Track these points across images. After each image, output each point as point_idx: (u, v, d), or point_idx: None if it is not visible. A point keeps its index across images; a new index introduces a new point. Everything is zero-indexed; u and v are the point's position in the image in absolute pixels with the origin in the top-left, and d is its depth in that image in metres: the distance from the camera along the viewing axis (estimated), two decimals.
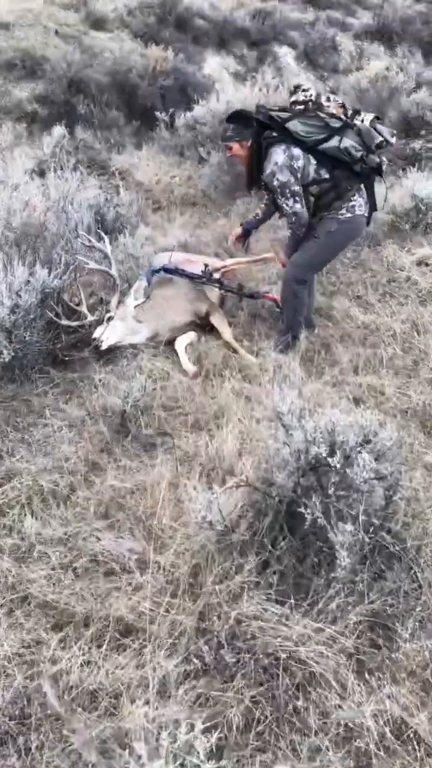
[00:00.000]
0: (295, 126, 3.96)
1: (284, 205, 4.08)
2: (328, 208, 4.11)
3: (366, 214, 4.19)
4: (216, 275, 4.86)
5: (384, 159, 4.13)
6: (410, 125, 8.62)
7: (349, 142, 3.93)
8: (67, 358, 4.31)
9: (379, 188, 4.25)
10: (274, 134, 4.00)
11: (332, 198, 4.08)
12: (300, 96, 4.11)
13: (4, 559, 2.92)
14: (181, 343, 4.50)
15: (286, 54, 16.84)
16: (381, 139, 3.99)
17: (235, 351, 4.45)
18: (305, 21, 18.95)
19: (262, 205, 4.62)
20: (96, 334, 4.33)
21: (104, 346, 4.32)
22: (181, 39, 14.57)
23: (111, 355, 4.43)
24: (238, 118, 4.21)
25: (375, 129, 4.00)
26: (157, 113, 9.27)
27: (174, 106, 9.66)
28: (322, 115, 4.02)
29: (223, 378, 4.09)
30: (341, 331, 4.57)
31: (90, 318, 4.35)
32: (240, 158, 4.29)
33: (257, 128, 4.03)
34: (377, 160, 4.03)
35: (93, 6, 15.28)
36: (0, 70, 11.44)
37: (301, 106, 4.08)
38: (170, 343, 4.55)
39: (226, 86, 9.96)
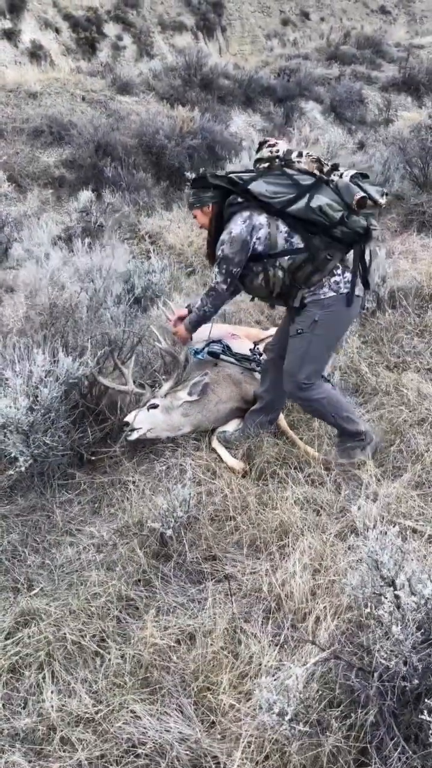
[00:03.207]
0: (258, 187, 3.33)
1: (213, 275, 3.51)
2: (307, 283, 3.36)
3: (356, 292, 3.38)
4: (260, 349, 4.24)
5: (374, 222, 3.33)
6: None
7: (323, 200, 3.23)
8: (94, 458, 3.69)
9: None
10: (239, 199, 3.40)
11: (309, 271, 3.34)
12: (264, 152, 3.44)
13: (16, 749, 2.23)
14: (219, 436, 3.87)
15: (312, 109, 16.70)
16: (362, 194, 3.20)
17: (292, 443, 3.77)
18: (330, 76, 18.86)
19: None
20: (129, 418, 3.71)
21: (133, 437, 3.69)
22: (207, 99, 14.47)
23: (146, 448, 3.79)
24: (199, 182, 3.59)
25: (357, 185, 3.25)
26: (186, 173, 8.90)
27: (202, 165, 9.38)
28: (291, 171, 3.35)
29: (281, 480, 3.39)
30: (415, 413, 3.86)
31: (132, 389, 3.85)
32: (205, 225, 3.63)
33: (217, 193, 3.49)
34: (363, 222, 3.26)
35: (119, 72, 15.32)
36: (28, 138, 11.31)
37: (266, 164, 3.43)
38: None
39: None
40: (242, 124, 14.76)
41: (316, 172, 3.34)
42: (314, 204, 3.23)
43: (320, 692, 2.04)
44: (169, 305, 4.30)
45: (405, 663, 1.84)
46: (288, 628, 2.54)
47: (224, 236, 3.40)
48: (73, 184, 10.11)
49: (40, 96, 12.85)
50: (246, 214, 3.36)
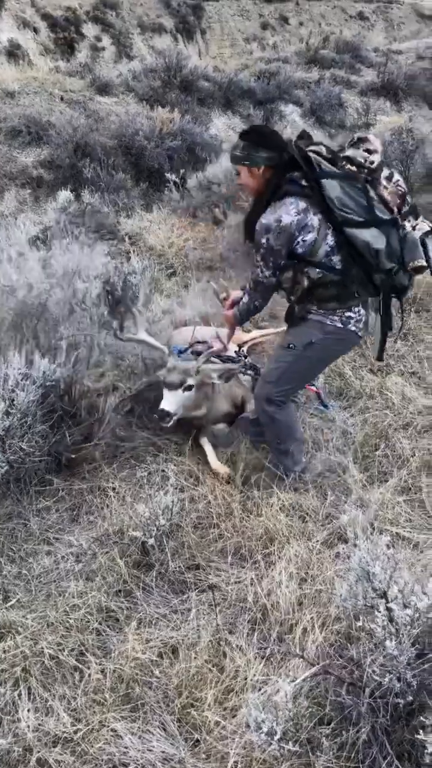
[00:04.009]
0: (332, 188, 2.92)
1: (258, 269, 3.10)
2: (320, 304, 3.12)
3: (360, 333, 3.20)
4: (244, 352, 4.16)
5: (412, 284, 3.10)
6: None
7: (385, 245, 2.92)
8: (73, 458, 3.57)
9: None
10: (303, 182, 2.96)
11: (331, 295, 3.07)
12: (359, 155, 2.96)
13: None
14: (207, 436, 3.75)
15: (292, 112, 16.68)
16: (422, 264, 2.93)
17: None
18: (310, 80, 18.89)
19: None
20: (167, 406, 3.45)
21: (171, 423, 3.49)
22: (187, 101, 14.38)
23: (126, 453, 3.69)
24: (254, 136, 3.07)
25: (425, 247, 2.95)
26: (167, 174, 8.82)
27: (182, 167, 9.29)
28: (372, 193, 2.94)
29: (266, 487, 3.31)
30: (400, 417, 3.81)
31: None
32: (249, 188, 3.13)
33: (276, 156, 3.00)
34: (405, 282, 3.01)
35: (98, 72, 15.19)
36: (5, 138, 11.13)
37: (353, 168, 2.97)
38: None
39: None
40: (222, 126, 14.69)
41: (395, 209, 2.96)
42: (375, 245, 2.91)
43: (309, 709, 1.96)
44: (223, 284, 3.96)
45: (399, 679, 1.77)
46: (274, 640, 2.46)
47: (271, 222, 2.96)
48: (52, 184, 9.94)
49: (17, 95, 12.67)
50: (302, 205, 2.95)
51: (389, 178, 2.99)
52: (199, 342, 4.03)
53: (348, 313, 3.11)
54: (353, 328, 3.14)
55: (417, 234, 2.95)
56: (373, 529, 2.83)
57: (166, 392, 3.52)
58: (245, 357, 4.15)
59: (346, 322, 3.12)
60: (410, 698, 1.78)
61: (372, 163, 2.96)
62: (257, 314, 3.46)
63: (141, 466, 3.58)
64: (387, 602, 1.84)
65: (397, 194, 2.98)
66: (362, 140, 3.03)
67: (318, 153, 3.03)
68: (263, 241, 3.00)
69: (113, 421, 3.76)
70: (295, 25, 36.90)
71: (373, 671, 1.81)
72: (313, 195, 2.96)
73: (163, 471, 3.52)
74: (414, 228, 2.97)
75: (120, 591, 2.81)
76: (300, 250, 3.02)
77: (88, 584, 2.84)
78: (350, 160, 2.98)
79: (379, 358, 3.36)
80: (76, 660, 2.49)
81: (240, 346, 4.36)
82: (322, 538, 2.94)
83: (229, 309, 3.53)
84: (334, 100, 16.75)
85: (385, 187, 2.97)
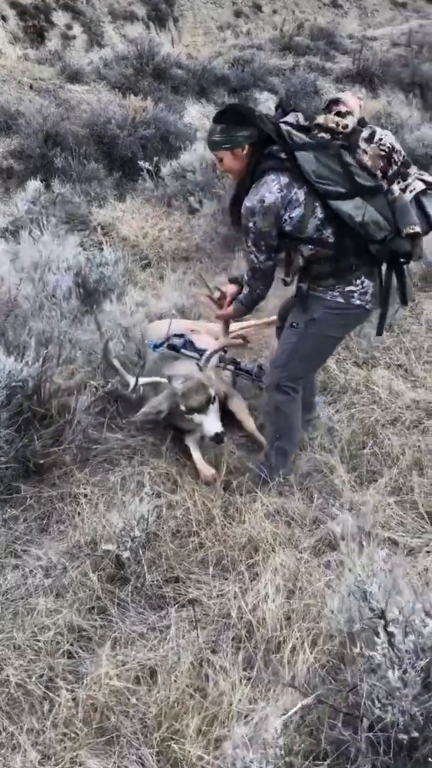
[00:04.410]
0: (306, 160, 2.70)
1: (252, 256, 2.92)
2: (317, 280, 2.93)
3: (367, 306, 2.98)
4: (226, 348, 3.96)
5: (418, 247, 2.83)
6: (417, 163, 7.87)
7: (371, 214, 2.70)
8: (42, 463, 3.34)
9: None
10: (282, 155, 2.76)
11: (326, 271, 2.89)
12: (330, 120, 2.75)
13: None
14: (195, 436, 3.54)
15: (267, 99, 16.43)
16: (416, 230, 2.73)
17: (260, 446, 3.49)
18: (284, 67, 18.64)
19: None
20: (214, 428, 3.29)
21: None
22: (160, 89, 14.09)
23: (98, 456, 3.47)
24: (231, 115, 2.87)
25: (421, 207, 2.77)
26: (141, 163, 8.56)
27: (156, 155, 9.04)
28: (348, 160, 2.73)
29: (249, 491, 3.12)
30: (388, 413, 3.63)
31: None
32: (233, 172, 2.94)
33: (255, 133, 2.80)
34: (407, 247, 2.78)
35: (68, 60, 14.84)
36: None
37: (326, 134, 2.78)
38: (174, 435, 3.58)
39: None
40: (196, 114, 14.39)
41: (380, 173, 2.76)
42: (356, 216, 2.69)
43: (302, 745, 1.77)
44: (203, 278, 3.66)
45: (402, 713, 1.58)
46: (261, 660, 2.27)
47: (254, 204, 2.77)
48: (22, 174, 9.65)
49: None
50: (285, 180, 2.76)
51: (369, 139, 2.77)
52: (175, 335, 3.82)
53: (349, 287, 2.91)
54: (358, 302, 2.94)
55: (408, 196, 2.76)
56: (368, 538, 2.64)
57: (201, 416, 3.34)
58: (225, 351, 3.94)
59: (348, 297, 2.92)
60: (415, 734, 1.59)
61: (345, 127, 2.77)
62: (261, 302, 3.26)
63: (115, 470, 3.37)
64: (386, 624, 1.65)
65: (379, 156, 2.76)
66: (334, 102, 2.85)
67: (291, 123, 2.86)
68: (250, 225, 2.82)
69: (85, 422, 3.54)
70: (268, 12, 36.54)
71: (372, 702, 1.62)
72: (293, 168, 2.76)
73: (138, 475, 3.30)
74: (405, 189, 2.78)
75: (93, 608, 2.60)
76: (288, 228, 2.83)
77: (59, 601, 2.62)
78: (321, 127, 2.81)
79: (379, 333, 3.17)
80: (45, 687, 2.28)
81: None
82: (310, 545, 2.76)
83: (228, 306, 3.35)
84: (310, 87, 16.49)
85: (365, 151, 2.76)
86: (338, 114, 2.79)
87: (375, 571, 1.76)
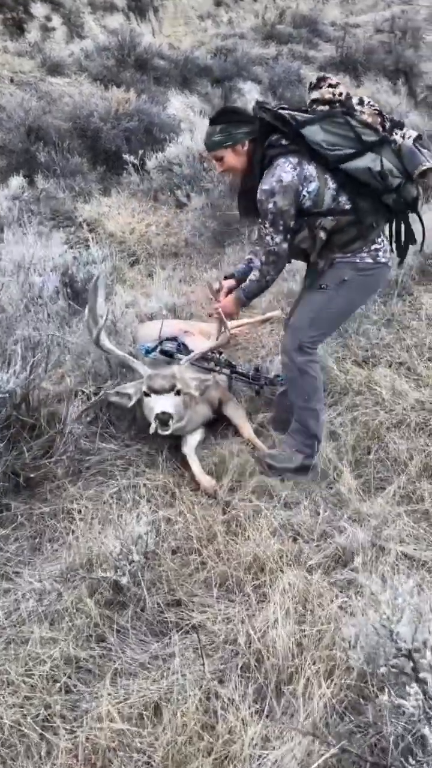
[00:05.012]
0: (314, 133, 2.87)
1: (268, 238, 2.99)
2: (344, 249, 3.03)
3: (389, 262, 3.16)
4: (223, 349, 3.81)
5: (421, 191, 3.05)
6: None
7: (386, 163, 2.86)
8: (32, 477, 3.17)
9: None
10: (283, 141, 2.92)
11: (352, 237, 3.00)
12: (325, 92, 2.95)
13: None
14: (192, 444, 3.37)
15: (251, 89, 16.23)
16: (428, 166, 2.88)
17: (259, 451, 3.34)
18: (267, 56, 18.44)
19: (257, 247, 3.43)
20: (163, 407, 3.16)
21: (170, 429, 3.20)
22: (143, 80, 13.85)
23: (92, 468, 3.31)
24: (227, 114, 3.05)
25: (419, 150, 2.91)
26: (125, 156, 8.35)
27: (140, 148, 8.84)
28: (354, 122, 2.90)
29: (249, 501, 2.96)
30: (392, 415, 3.48)
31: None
32: (236, 171, 3.08)
33: (255, 129, 2.97)
34: (414, 192, 2.97)
35: (49, 52, 14.56)
36: None
37: (325, 107, 2.95)
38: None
39: (199, 122, 9.06)
40: (180, 105, 14.15)
41: (379, 127, 2.93)
42: (375, 167, 2.85)
43: None
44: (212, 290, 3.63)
45: None
46: (272, 692, 2.12)
47: (273, 185, 2.88)
48: (4, 170, 9.42)
49: None
50: (294, 160, 2.89)
51: (361, 103, 3.00)
52: (168, 339, 3.65)
53: (374, 246, 3.06)
54: (383, 260, 3.10)
55: (409, 142, 2.93)
56: (381, 553, 2.49)
57: (157, 397, 3.20)
58: (220, 353, 3.78)
59: (375, 256, 3.07)
60: None
61: (341, 95, 2.98)
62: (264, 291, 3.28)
63: (109, 482, 3.20)
64: (415, 667, 1.50)
65: (375, 114, 2.98)
66: (321, 79, 3.04)
67: (282, 107, 3.01)
68: (270, 206, 2.92)
69: (76, 432, 3.37)
70: (249, 1, 36.17)
71: (405, 757, 1.47)
72: (299, 148, 2.91)
73: (134, 488, 3.14)
74: (404, 137, 2.95)
75: (90, 636, 2.43)
76: (308, 204, 2.96)
77: (54, 629, 2.46)
78: (319, 101, 2.99)
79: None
80: (41, 728, 2.12)
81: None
82: (318, 561, 2.60)
83: (225, 297, 3.37)
84: (293, 76, 16.32)
85: (362, 112, 2.98)
86: (330, 86, 2.98)
87: (400, 606, 1.60)
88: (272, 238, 2.97)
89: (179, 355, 3.53)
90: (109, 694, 2.18)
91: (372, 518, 2.79)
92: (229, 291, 3.39)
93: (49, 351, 3.65)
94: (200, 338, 3.90)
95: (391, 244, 3.12)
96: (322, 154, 2.88)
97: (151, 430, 3.20)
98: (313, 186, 2.92)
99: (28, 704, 2.17)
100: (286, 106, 3.05)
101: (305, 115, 2.95)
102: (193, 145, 7.56)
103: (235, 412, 3.51)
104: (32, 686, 2.24)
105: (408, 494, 2.96)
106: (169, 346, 3.58)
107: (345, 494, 2.96)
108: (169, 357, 3.54)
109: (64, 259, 5.59)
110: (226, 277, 3.54)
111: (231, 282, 3.44)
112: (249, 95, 15.85)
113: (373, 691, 1.92)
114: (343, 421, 3.48)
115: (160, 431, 3.15)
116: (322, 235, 2.98)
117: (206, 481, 3.13)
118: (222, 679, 2.22)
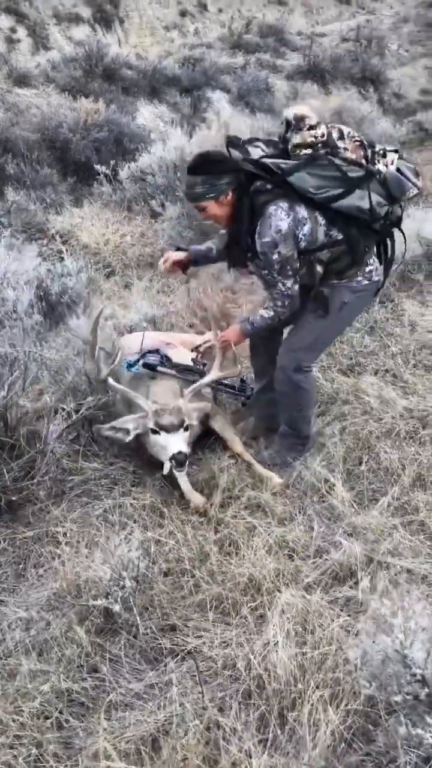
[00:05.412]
0: (302, 180, 2.87)
1: (279, 285, 3.00)
2: (341, 276, 3.08)
3: (381, 279, 3.22)
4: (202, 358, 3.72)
5: (403, 209, 3.17)
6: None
7: (375, 197, 2.89)
8: (14, 500, 3.05)
9: None
10: (268, 186, 2.91)
11: (347, 264, 3.04)
12: (307, 137, 2.92)
13: None
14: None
15: (220, 98, 16.25)
16: (415, 191, 2.97)
17: (248, 466, 3.26)
18: (236, 65, 18.51)
19: (216, 240, 3.36)
20: (180, 447, 3.03)
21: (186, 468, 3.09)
22: (111, 90, 13.79)
23: (76, 488, 3.20)
24: (207, 164, 2.97)
25: (402, 174, 2.93)
26: (97, 166, 8.26)
27: (111, 158, 8.76)
28: (338, 161, 2.89)
29: (242, 519, 2.88)
30: (381, 424, 3.42)
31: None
32: (220, 219, 3.06)
33: (236, 177, 2.94)
34: (399, 212, 3.08)
35: (15, 63, 14.44)
36: None
37: (307, 150, 2.93)
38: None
39: (171, 132, 9.01)
40: (149, 115, 14.11)
41: (363, 161, 2.93)
42: (364, 205, 2.88)
43: None
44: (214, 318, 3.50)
45: None
46: (275, 719, 2.03)
47: (273, 236, 2.88)
48: None
49: None
50: (285, 205, 2.89)
51: (342, 137, 2.96)
52: (150, 352, 3.56)
53: (368, 268, 3.11)
54: (376, 278, 3.16)
55: (393, 169, 2.94)
56: (379, 568, 2.42)
57: (167, 436, 3.07)
58: (204, 365, 3.70)
59: (369, 277, 3.12)
60: None
61: (322, 136, 2.94)
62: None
63: (94, 503, 3.09)
64: (431, 693, 1.43)
65: (357, 147, 2.96)
66: (300, 119, 2.96)
67: (267, 155, 2.99)
68: (275, 256, 2.93)
69: (58, 451, 3.26)
70: (214, 11, 36.40)
71: None
72: (286, 191, 2.91)
73: (120, 507, 3.03)
74: (388, 165, 2.95)
75: (82, 666, 2.32)
76: (303, 245, 2.97)
77: (43, 660, 2.34)
78: (301, 146, 2.95)
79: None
80: None
81: (196, 350, 3.91)
82: (315, 579, 2.52)
83: (174, 268, 3.36)
84: (262, 84, 16.41)
85: (345, 148, 2.94)
86: (310, 128, 2.93)
87: (413, 629, 1.53)
88: (283, 284, 2.99)
89: (162, 369, 3.44)
90: (105, 729, 2.07)
91: (368, 532, 2.72)
92: (177, 263, 3.33)
93: (27, 368, 3.53)
94: (183, 350, 3.82)
95: (379, 260, 3.17)
96: (310, 197, 2.90)
97: (165, 471, 3.09)
98: (306, 228, 2.94)
99: (18, 744, 2.06)
100: (259, 145, 3.04)
101: (289, 162, 2.93)
102: (166, 155, 7.50)
103: (223, 426, 3.42)
104: (22, 724, 2.12)
105: (402, 505, 2.90)
106: (152, 359, 3.48)
107: (339, 507, 2.89)
108: (152, 370, 3.45)
109: (38, 272, 5.48)
110: (178, 248, 3.42)
111: (180, 255, 3.33)
112: (218, 104, 15.90)
113: (383, 716, 1.84)
114: (333, 431, 3.41)
115: (175, 471, 3.04)
116: (319, 268, 3.04)
117: (196, 498, 3.03)
118: (222, 707, 2.12)
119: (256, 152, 3.02)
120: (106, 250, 6.64)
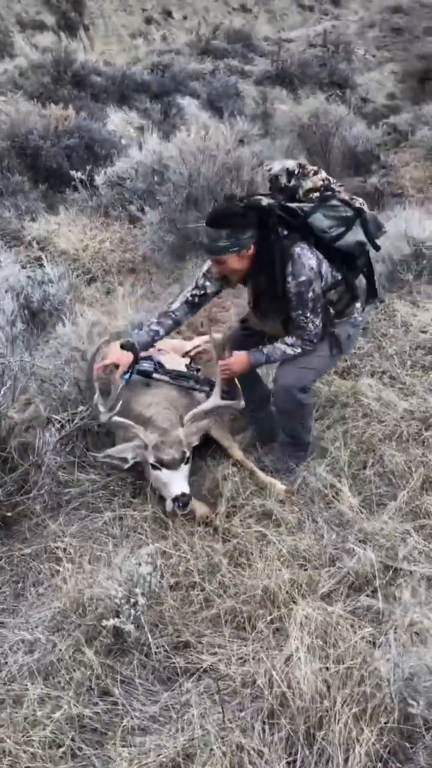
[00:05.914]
0: (320, 221, 3.02)
1: (310, 324, 3.00)
2: (342, 314, 3.18)
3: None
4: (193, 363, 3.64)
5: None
6: (358, 160, 7.77)
7: (363, 234, 3.10)
8: (9, 515, 2.92)
9: None
10: (286, 231, 2.96)
11: (347, 301, 3.16)
12: (317, 181, 3.13)
13: None
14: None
15: (189, 104, 16.22)
16: (386, 229, 3.30)
17: (251, 474, 3.17)
18: (204, 71, 18.53)
19: (161, 321, 3.24)
20: (182, 488, 2.90)
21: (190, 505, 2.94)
22: (81, 96, 13.67)
23: (74, 501, 3.08)
24: (231, 217, 2.90)
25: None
26: (72, 172, 8.14)
27: (82, 164, 8.66)
28: (336, 202, 3.08)
29: (249, 527, 2.78)
30: (383, 426, 3.36)
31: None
32: (237, 273, 3.03)
33: (270, 225, 2.94)
34: (376, 248, 3.25)
35: None
36: None
37: (316, 194, 3.14)
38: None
39: (147, 137, 8.92)
40: (119, 121, 14.02)
41: (355, 203, 3.12)
42: (362, 239, 3.07)
43: None
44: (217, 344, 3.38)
45: None
46: (303, 740, 1.93)
47: (308, 274, 2.91)
48: None
49: None
50: (305, 245, 2.97)
51: (331, 181, 3.20)
52: (143, 358, 3.45)
53: (357, 304, 3.22)
54: (363, 309, 3.33)
55: (366, 208, 3.14)
56: (396, 575, 2.35)
57: (170, 473, 2.94)
58: (197, 370, 3.61)
59: (359, 311, 3.27)
60: None
61: (326, 178, 3.18)
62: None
63: (93, 516, 2.97)
64: None
65: (342, 188, 3.21)
66: (302, 167, 3.19)
67: (282, 201, 3.08)
68: (311, 294, 2.95)
69: (53, 463, 3.14)
70: (179, 18, 36.44)
71: None
72: (305, 235, 2.99)
73: (120, 519, 2.92)
74: (363, 205, 3.14)
75: (92, 690, 2.20)
76: (324, 285, 3.06)
77: (50, 685, 2.22)
78: (312, 190, 3.14)
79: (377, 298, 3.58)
80: None
81: (187, 356, 3.83)
82: (331, 588, 2.44)
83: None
84: (231, 90, 16.43)
85: (339, 191, 3.18)
86: (315, 173, 3.18)
87: None
88: (313, 323, 3.01)
89: (157, 375, 3.34)
90: (122, 757, 1.96)
91: (380, 538, 2.65)
92: (125, 363, 3.12)
93: (15, 378, 3.40)
94: (175, 355, 3.72)
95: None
96: (320, 236, 3.01)
97: (167, 509, 2.96)
98: (324, 266, 3.03)
99: None
100: (275, 198, 3.09)
101: (307, 205, 3.07)
102: (144, 159, 7.41)
103: (222, 434, 3.32)
104: (33, 754, 2.00)
105: (413, 509, 2.83)
106: (145, 365, 3.38)
107: (347, 513, 2.81)
108: (147, 377, 3.35)
109: (18, 279, 5.34)
110: (122, 346, 3.16)
111: (127, 358, 3.12)
112: (188, 109, 15.85)
113: (420, 731, 1.76)
114: (335, 435, 3.34)
115: (178, 511, 2.90)
116: (331, 309, 3.11)
117: (201, 508, 2.93)
118: (244, 727, 2.02)
119: (264, 202, 3.04)
120: (85, 256, 6.52)
